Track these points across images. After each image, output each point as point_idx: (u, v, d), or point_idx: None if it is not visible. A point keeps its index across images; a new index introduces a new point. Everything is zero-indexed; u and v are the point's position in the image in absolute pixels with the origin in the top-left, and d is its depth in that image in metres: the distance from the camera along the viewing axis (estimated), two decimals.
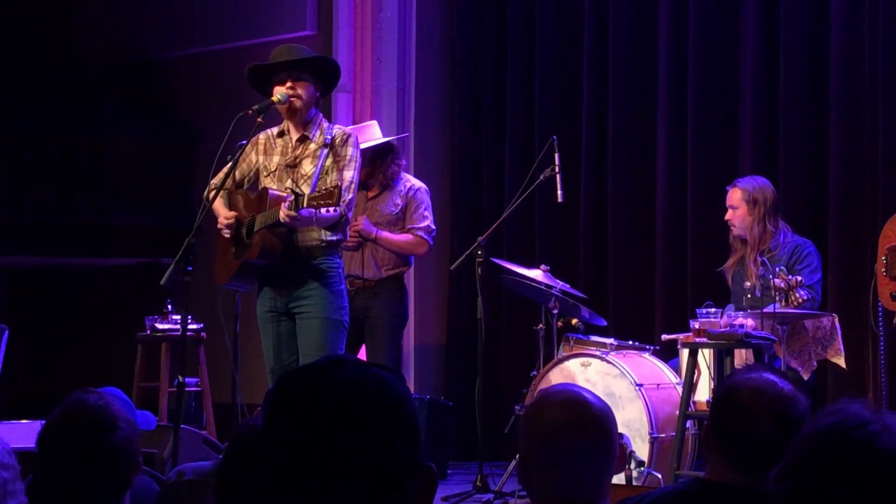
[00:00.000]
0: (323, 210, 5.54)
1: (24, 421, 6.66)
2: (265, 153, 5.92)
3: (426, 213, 7.09)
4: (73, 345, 9.86)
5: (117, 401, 3.14)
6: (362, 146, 6.35)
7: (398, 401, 1.61)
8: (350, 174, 5.77)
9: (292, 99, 5.77)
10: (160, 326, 7.68)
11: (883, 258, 5.11)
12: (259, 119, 5.70)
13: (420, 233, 7.03)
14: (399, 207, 7.06)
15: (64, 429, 3.03)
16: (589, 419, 2.58)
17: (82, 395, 3.10)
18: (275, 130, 5.92)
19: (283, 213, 5.50)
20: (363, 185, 6.88)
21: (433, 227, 7.10)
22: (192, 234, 5.44)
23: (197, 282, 5.57)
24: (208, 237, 6.11)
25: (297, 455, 1.56)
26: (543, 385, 6.56)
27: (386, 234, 6.98)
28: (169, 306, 7.71)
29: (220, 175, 5.88)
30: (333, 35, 8.87)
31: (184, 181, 10.13)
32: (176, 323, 7.48)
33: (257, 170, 5.95)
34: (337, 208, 5.56)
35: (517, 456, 2.62)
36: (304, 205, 5.45)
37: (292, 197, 5.53)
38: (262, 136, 5.94)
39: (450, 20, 9.09)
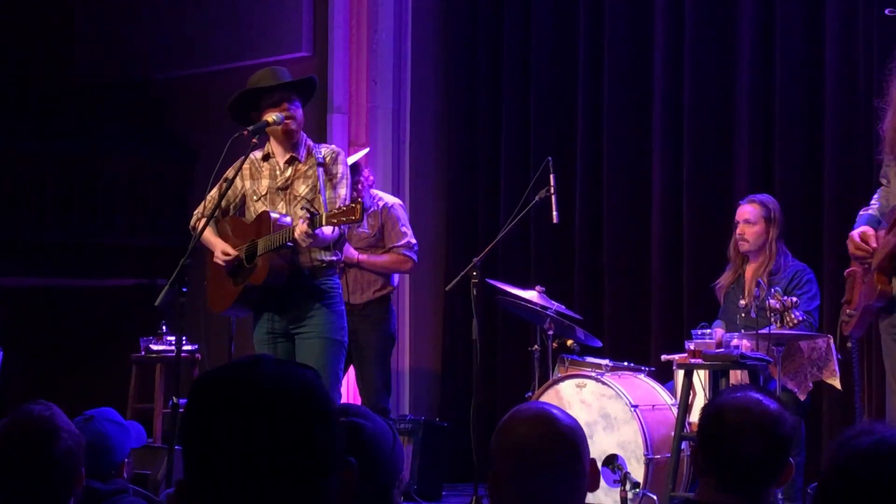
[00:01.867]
0: (327, 229, 5.55)
1: None
2: (251, 178, 5.90)
3: (404, 230, 7.09)
4: (68, 365, 9.84)
5: (63, 414, 3.11)
6: None
7: (316, 397, 1.64)
8: (343, 192, 5.76)
9: (287, 121, 5.76)
10: (155, 347, 7.67)
11: (845, 284, 5.15)
12: (254, 140, 5.70)
13: (403, 250, 7.04)
14: (376, 228, 7.06)
15: (7, 438, 3.01)
16: (556, 435, 2.58)
17: (30, 405, 3.09)
18: (258, 154, 5.90)
19: (301, 230, 5.47)
20: None
21: (413, 241, 7.11)
22: (186, 255, 5.43)
23: (191, 303, 5.57)
24: (203, 259, 6.11)
25: (218, 451, 1.59)
26: None
27: (367, 257, 6.98)
28: (163, 327, 7.70)
29: (207, 204, 5.88)
30: (329, 56, 8.89)
31: (180, 201, 10.12)
32: (170, 344, 7.48)
33: (243, 196, 5.93)
34: (336, 229, 5.60)
35: (488, 473, 2.62)
36: (324, 223, 5.45)
37: (307, 216, 5.51)
38: (247, 162, 5.92)
39: (445, 41, 9.11)
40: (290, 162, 5.83)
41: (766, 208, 6.82)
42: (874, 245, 4.79)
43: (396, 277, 7.25)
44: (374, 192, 7.21)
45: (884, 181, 5.07)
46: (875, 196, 5.10)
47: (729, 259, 6.99)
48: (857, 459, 1.83)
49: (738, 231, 6.87)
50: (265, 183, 5.85)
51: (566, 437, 2.58)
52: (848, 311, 5.01)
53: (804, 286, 6.72)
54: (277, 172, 5.84)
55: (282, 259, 5.69)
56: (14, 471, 2.96)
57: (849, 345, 5.72)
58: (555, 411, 2.63)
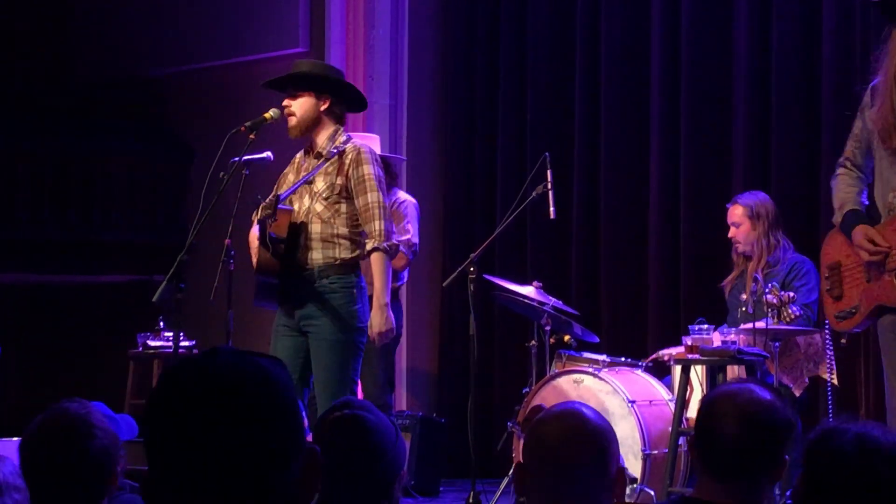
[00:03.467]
0: (376, 265, 5.55)
1: (14, 439, 6.65)
2: (296, 172, 5.87)
3: (409, 227, 7.06)
4: (66, 362, 9.84)
5: (99, 412, 3.10)
6: None
7: (273, 385, 1.64)
8: (373, 197, 5.60)
9: (288, 116, 5.74)
10: (152, 343, 7.67)
11: (825, 277, 5.08)
12: (252, 136, 5.65)
13: (401, 246, 6.94)
14: None
15: (42, 435, 3.01)
16: (584, 436, 2.58)
17: (66, 402, 3.08)
18: (304, 149, 5.91)
19: (373, 334, 5.60)
20: None
21: (415, 241, 7.09)
22: (184, 250, 5.42)
23: (189, 299, 5.56)
24: (201, 254, 6.10)
25: (176, 446, 1.60)
26: (536, 402, 6.55)
27: None
28: (161, 323, 7.70)
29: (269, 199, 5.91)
30: (325, 52, 8.88)
31: (177, 198, 10.13)
32: (168, 340, 7.48)
33: None
34: (376, 253, 5.57)
35: (515, 465, 2.63)
36: (259, 215, 5.48)
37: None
38: (297, 155, 5.90)
39: (442, 37, 9.11)
40: (317, 157, 5.79)
41: (748, 206, 6.83)
42: (884, 244, 4.71)
43: (405, 274, 7.20)
44: (398, 191, 7.19)
45: (848, 164, 5.02)
46: (835, 183, 5.02)
47: (733, 260, 7.02)
48: (842, 459, 1.82)
49: (729, 234, 6.90)
50: (300, 176, 5.83)
51: (594, 439, 2.59)
52: (843, 307, 4.95)
53: (802, 277, 6.72)
54: (310, 166, 5.81)
55: (273, 256, 5.66)
56: (48, 469, 2.97)
57: (843, 340, 5.71)
58: (586, 412, 2.64)
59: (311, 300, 5.63)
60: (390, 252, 5.65)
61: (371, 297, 5.74)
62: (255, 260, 5.74)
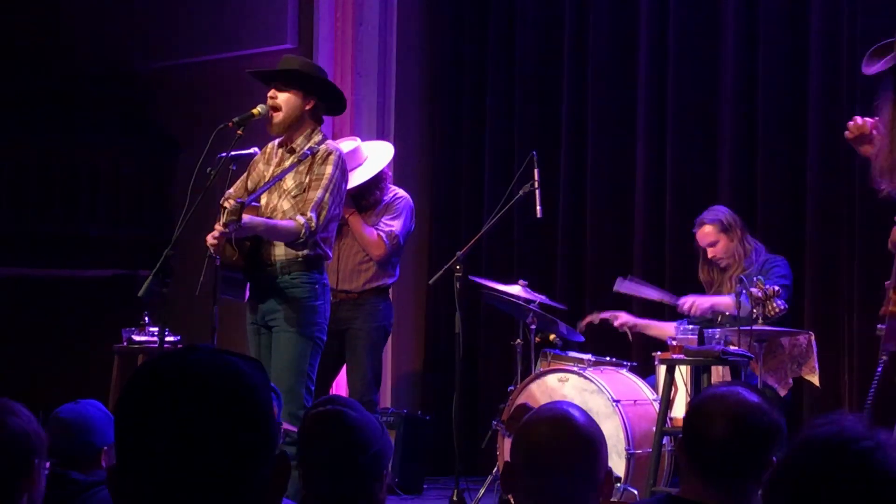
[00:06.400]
0: (283, 222, 5.53)
1: None
2: (267, 162, 5.88)
3: (392, 221, 6.91)
4: (50, 357, 9.81)
5: (21, 406, 2.90)
6: (354, 182, 6.30)
7: (246, 384, 1.62)
8: (319, 194, 5.64)
9: (273, 112, 5.74)
10: (137, 339, 7.64)
11: None
12: (239, 132, 5.64)
13: (382, 234, 6.91)
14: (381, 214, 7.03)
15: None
16: (572, 439, 2.59)
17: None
18: (279, 140, 5.90)
19: (212, 236, 5.46)
20: (357, 207, 6.85)
21: (398, 233, 6.91)
22: (170, 245, 5.42)
23: (174, 294, 5.55)
24: (187, 249, 6.09)
25: (144, 439, 1.59)
26: (521, 400, 6.56)
27: (358, 219, 6.87)
28: (146, 318, 7.67)
29: (237, 184, 5.89)
30: (314, 49, 8.87)
31: (162, 193, 10.10)
32: (153, 335, 7.45)
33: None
34: (291, 221, 5.54)
35: (504, 463, 2.65)
36: (224, 219, 5.43)
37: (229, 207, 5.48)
38: (269, 145, 5.91)
39: (430, 34, 9.11)
40: (290, 152, 5.79)
41: (718, 222, 6.86)
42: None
43: (397, 271, 7.16)
44: (392, 186, 7.16)
45: None
46: None
47: (703, 283, 7.02)
48: (810, 447, 1.81)
49: (709, 255, 6.91)
50: (271, 170, 5.83)
51: (581, 443, 2.60)
52: (879, 325, 5.09)
53: (773, 269, 6.75)
54: (282, 161, 5.81)
55: (236, 249, 5.67)
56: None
57: (883, 357, 5.75)
58: (575, 415, 2.65)
59: (273, 295, 5.69)
60: (301, 238, 5.59)
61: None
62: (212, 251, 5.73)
